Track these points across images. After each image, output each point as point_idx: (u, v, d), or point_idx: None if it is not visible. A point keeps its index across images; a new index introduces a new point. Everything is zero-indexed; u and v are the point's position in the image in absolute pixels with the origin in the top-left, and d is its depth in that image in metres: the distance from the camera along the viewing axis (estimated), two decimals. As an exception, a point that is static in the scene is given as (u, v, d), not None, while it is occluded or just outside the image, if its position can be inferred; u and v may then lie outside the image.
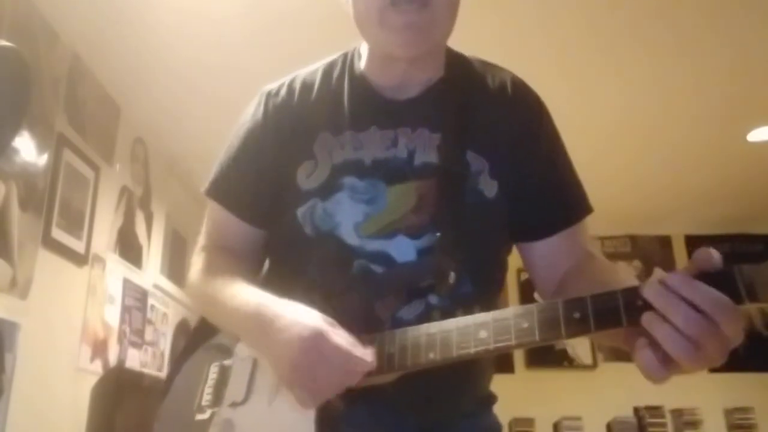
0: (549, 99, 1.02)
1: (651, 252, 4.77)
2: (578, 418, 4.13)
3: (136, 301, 3.01)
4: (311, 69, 1.03)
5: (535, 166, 0.94)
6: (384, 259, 0.87)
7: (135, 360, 2.97)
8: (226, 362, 0.94)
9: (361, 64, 0.99)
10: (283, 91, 1.01)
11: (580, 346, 4.50)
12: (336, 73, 1.01)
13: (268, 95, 1.02)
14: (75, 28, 2.39)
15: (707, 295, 0.59)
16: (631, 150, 3.48)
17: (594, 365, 4.46)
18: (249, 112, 1.03)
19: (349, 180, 0.91)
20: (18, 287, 2.05)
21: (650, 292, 0.62)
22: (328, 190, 0.91)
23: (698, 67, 2.75)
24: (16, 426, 1.97)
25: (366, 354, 0.75)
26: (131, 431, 2.55)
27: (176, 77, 2.75)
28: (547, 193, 0.94)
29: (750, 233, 4.75)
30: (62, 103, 2.40)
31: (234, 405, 0.88)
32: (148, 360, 3.14)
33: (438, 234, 0.87)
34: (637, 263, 4.75)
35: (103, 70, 2.66)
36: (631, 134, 3.33)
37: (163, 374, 3.33)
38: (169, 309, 3.49)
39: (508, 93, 0.97)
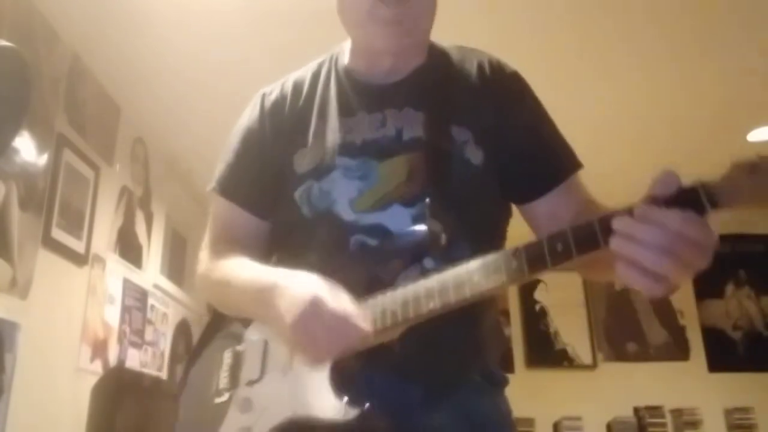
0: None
1: (651, 252, 4.77)
2: (578, 418, 4.13)
3: (136, 301, 3.01)
4: (301, 70, 1.11)
5: (520, 130, 1.00)
6: (379, 231, 0.91)
7: (135, 360, 2.97)
8: (239, 348, 0.98)
9: (346, 60, 1.07)
10: (277, 91, 1.09)
11: (580, 346, 4.51)
12: (324, 70, 1.08)
13: (263, 96, 1.10)
14: (75, 28, 2.39)
15: (671, 214, 0.66)
16: (630, 150, 3.48)
17: (594, 365, 4.46)
18: (247, 113, 1.11)
19: (341, 160, 0.97)
20: (18, 287, 2.05)
21: (618, 221, 0.68)
22: (322, 170, 0.97)
23: (698, 67, 2.75)
24: (16, 426, 1.96)
25: (362, 320, 0.80)
26: (131, 431, 2.55)
27: (176, 77, 2.75)
28: (536, 153, 0.99)
29: (750, 233, 4.74)
30: (62, 103, 2.40)
31: (250, 383, 0.93)
32: (148, 360, 3.14)
33: (427, 200, 0.91)
34: (637, 263, 4.75)
35: (103, 70, 2.66)
36: (630, 134, 3.33)
37: (163, 374, 3.33)
38: (169, 309, 3.49)
39: (486, 70, 1.03)
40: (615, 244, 0.68)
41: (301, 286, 0.84)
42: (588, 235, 0.70)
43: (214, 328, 1.08)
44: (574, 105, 2.89)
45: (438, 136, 0.96)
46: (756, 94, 2.97)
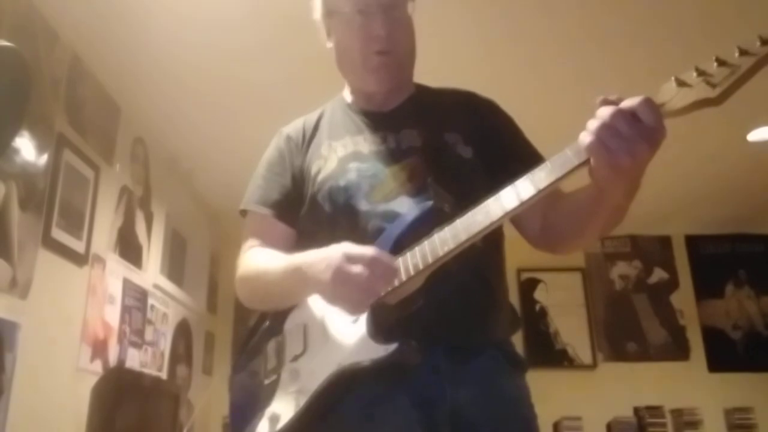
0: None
1: (651, 252, 4.78)
2: (578, 418, 4.13)
3: (136, 301, 3.01)
4: (312, 113, 1.32)
5: (500, 135, 1.20)
6: (393, 215, 1.07)
7: (135, 360, 2.97)
8: (279, 338, 1.11)
9: (347, 100, 1.30)
10: (294, 126, 1.30)
11: (580, 346, 4.51)
12: (329, 109, 1.30)
13: (281, 132, 1.30)
14: (75, 28, 2.39)
15: (629, 101, 0.85)
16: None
17: (594, 365, 4.46)
18: (270, 147, 1.30)
19: (353, 165, 1.15)
20: (18, 287, 2.05)
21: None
22: (338, 173, 1.15)
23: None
24: (16, 426, 1.97)
25: (389, 258, 0.96)
26: (131, 431, 2.55)
27: (176, 77, 2.76)
28: (514, 155, 1.15)
29: (750, 233, 4.74)
30: (62, 103, 2.40)
31: (295, 358, 1.05)
32: (148, 360, 3.14)
33: (430, 179, 1.09)
34: (637, 263, 4.75)
35: (103, 71, 2.66)
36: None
37: (163, 374, 3.33)
38: (169, 309, 3.49)
39: (464, 97, 1.28)
40: (588, 123, 0.85)
41: (329, 250, 0.98)
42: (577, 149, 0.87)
43: (253, 334, 1.20)
44: (579, 101, 2.89)
45: (433, 141, 1.16)
46: (756, 94, 2.97)
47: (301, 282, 1.02)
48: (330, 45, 1.26)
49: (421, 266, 0.95)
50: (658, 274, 4.73)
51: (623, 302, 4.66)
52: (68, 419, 2.35)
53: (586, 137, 0.85)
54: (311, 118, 1.30)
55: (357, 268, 0.93)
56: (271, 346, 1.11)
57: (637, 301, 4.67)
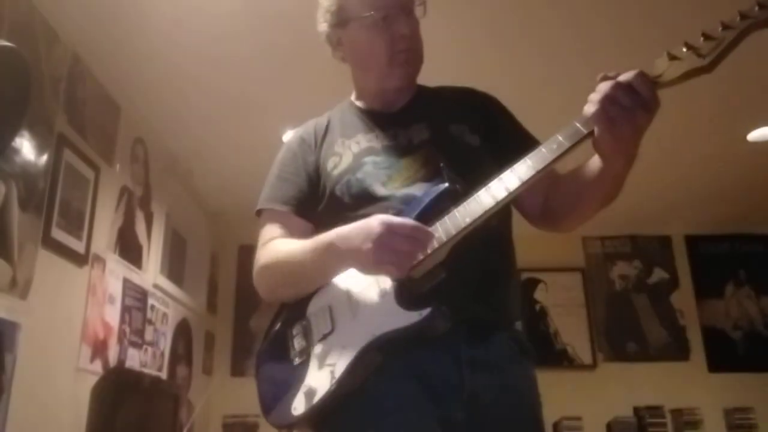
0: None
1: (651, 252, 4.78)
2: (578, 418, 4.13)
3: (136, 301, 3.01)
4: (320, 117, 1.36)
5: (502, 124, 1.28)
6: (411, 199, 1.11)
7: (135, 360, 2.97)
8: (303, 322, 1.14)
9: (357, 104, 1.34)
10: (305, 128, 1.34)
11: (580, 346, 4.51)
12: (338, 112, 1.35)
13: (295, 133, 1.35)
14: (75, 28, 2.39)
15: (626, 74, 0.95)
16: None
17: (594, 365, 4.47)
18: (283, 148, 1.34)
19: (369, 158, 1.21)
20: (18, 287, 2.05)
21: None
22: (355, 167, 1.20)
23: (698, 67, 2.74)
24: (16, 426, 1.97)
25: (425, 227, 1.00)
26: (131, 431, 2.55)
27: (176, 77, 2.76)
28: (516, 140, 1.22)
29: (750, 233, 4.75)
30: (62, 103, 2.40)
31: (324, 337, 1.08)
32: (148, 360, 3.14)
33: (442, 164, 1.12)
34: (637, 263, 4.75)
35: (103, 70, 2.66)
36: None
37: (163, 374, 3.33)
38: (169, 309, 3.49)
39: (463, 92, 1.35)
40: (590, 96, 0.95)
41: (365, 221, 1.02)
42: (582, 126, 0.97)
43: (274, 324, 1.22)
44: (579, 99, 2.89)
45: (441, 132, 1.22)
46: (756, 94, 2.97)
47: (336, 257, 1.06)
48: (339, 54, 1.32)
49: (444, 238, 1.00)
50: (658, 274, 4.73)
51: (623, 302, 4.66)
52: (68, 419, 2.34)
53: (590, 108, 0.94)
54: (321, 120, 1.34)
55: (399, 240, 0.97)
56: (296, 330, 1.14)
57: (637, 301, 4.67)
